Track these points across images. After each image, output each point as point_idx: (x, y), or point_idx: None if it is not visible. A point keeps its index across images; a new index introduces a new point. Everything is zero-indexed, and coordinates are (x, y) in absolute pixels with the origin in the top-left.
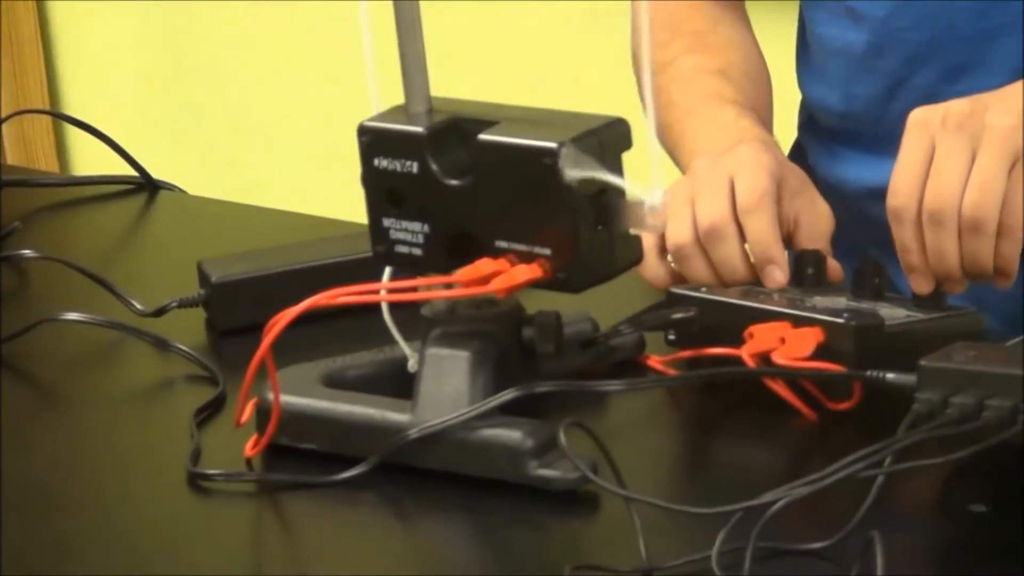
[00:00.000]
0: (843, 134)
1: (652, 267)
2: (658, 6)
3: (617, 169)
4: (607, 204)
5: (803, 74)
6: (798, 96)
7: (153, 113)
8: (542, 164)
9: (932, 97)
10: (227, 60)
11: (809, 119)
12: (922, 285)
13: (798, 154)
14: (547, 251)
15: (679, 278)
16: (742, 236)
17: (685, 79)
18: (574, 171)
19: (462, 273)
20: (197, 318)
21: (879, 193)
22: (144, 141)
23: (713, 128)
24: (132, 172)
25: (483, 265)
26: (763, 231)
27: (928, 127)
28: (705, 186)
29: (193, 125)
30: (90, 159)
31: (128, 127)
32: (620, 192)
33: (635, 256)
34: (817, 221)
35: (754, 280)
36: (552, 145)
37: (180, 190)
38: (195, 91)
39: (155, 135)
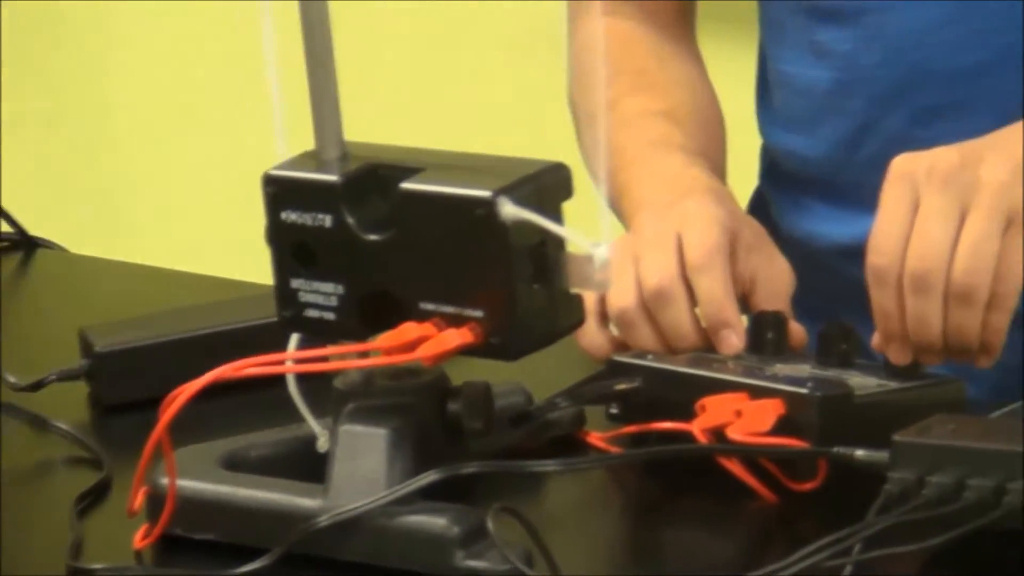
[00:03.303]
0: (808, 183)
1: (591, 335)
2: (597, 38)
3: (557, 220)
4: (547, 258)
5: (764, 116)
6: (759, 140)
7: (30, 163)
8: (474, 215)
9: (902, 142)
10: (112, 102)
11: (771, 166)
12: (900, 355)
13: (759, 205)
14: (479, 313)
15: (621, 346)
16: (692, 298)
17: (628, 123)
18: (512, 212)
19: (384, 339)
20: (79, 392)
21: (848, 250)
22: (20, 194)
23: (659, 178)
24: (6, 228)
25: (408, 330)
26: (715, 291)
27: (912, 179)
28: (650, 243)
29: (75, 175)
30: None
31: (2, 179)
32: (560, 244)
33: (577, 318)
34: (776, 279)
35: (706, 346)
36: (486, 194)
37: (60, 248)
38: (76, 137)
39: (33, 187)
